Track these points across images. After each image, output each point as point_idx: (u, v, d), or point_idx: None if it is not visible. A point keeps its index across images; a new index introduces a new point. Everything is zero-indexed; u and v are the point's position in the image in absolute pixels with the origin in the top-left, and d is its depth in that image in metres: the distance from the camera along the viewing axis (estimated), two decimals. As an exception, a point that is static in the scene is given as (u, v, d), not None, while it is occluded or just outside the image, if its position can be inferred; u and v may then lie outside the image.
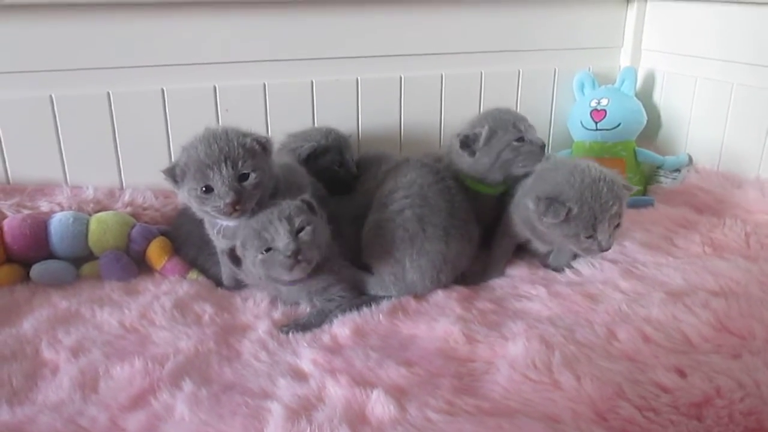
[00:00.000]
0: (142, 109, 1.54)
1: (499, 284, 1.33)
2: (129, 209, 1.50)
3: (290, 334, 1.17)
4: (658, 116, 1.90)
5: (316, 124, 1.66)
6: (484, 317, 1.20)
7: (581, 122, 1.83)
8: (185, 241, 1.41)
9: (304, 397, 0.97)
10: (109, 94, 1.51)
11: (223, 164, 1.12)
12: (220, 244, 1.29)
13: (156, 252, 1.39)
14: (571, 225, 1.22)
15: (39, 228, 1.35)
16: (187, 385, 1.00)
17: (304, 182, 1.32)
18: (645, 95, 1.90)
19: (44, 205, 1.45)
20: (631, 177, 1.78)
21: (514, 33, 1.83)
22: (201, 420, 0.93)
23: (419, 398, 0.96)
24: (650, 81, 1.92)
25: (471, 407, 0.94)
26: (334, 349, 1.12)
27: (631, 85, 1.83)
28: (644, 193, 1.80)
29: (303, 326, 1.20)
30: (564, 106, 1.91)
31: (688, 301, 1.15)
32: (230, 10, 1.55)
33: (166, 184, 1.56)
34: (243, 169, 1.14)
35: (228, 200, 1.13)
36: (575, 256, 1.36)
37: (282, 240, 1.12)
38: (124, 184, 1.57)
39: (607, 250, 1.24)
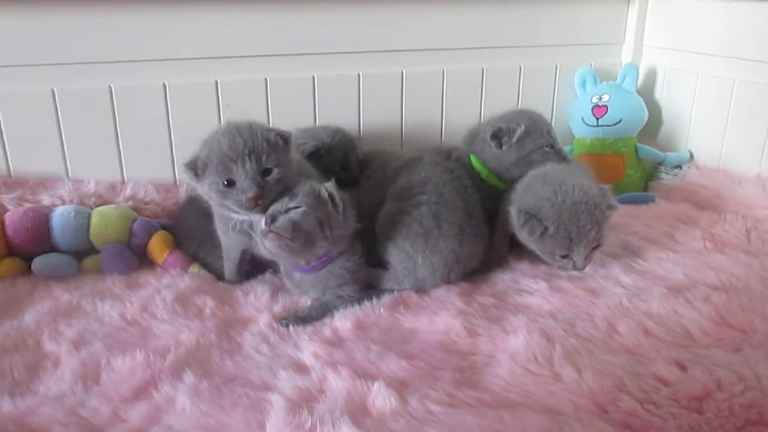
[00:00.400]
0: (143, 103, 1.54)
1: (500, 278, 1.33)
2: (130, 203, 1.50)
3: (290, 327, 1.17)
4: (660, 113, 1.90)
5: (318, 119, 1.67)
6: (485, 311, 1.20)
7: (582, 118, 1.83)
8: (187, 234, 1.41)
9: (305, 389, 0.97)
10: (111, 88, 1.51)
11: (246, 158, 1.11)
12: (230, 240, 1.29)
13: (157, 246, 1.39)
14: (546, 243, 1.24)
15: (41, 221, 1.36)
16: (189, 377, 1.00)
17: (313, 176, 1.32)
18: (646, 92, 1.90)
19: (46, 199, 1.45)
20: (632, 173, 1.79)
21: (516, 29, 1.83)
22: (202, 411, 0.94)
23: (420, 390, 0.96)
24: (651, 77, 1.92)
25: (472, 399, 0.94)
26: (335, 342, 1.12)
27: (632, 81, 1.83)
28: (645, 189, 1.80)
29: (303, 319, 1.20)
30: (565, 103, 1.91)
31: (688, 295, 1.15)
32: (232, 5, 1.55)
33: (168, 179, 1.60)
34: (267, 163, 1.13)
35: (251, 195, 1.12)
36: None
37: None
38: (125, 178, 1.57)
39: (581, 270, 1.27)
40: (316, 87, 1.66)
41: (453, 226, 1.28)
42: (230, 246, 1.32)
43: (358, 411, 0.92)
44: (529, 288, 1.28)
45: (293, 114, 1.65)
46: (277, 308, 1.25)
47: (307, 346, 1.10)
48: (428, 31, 1.74)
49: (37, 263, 1.33)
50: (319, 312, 1.22)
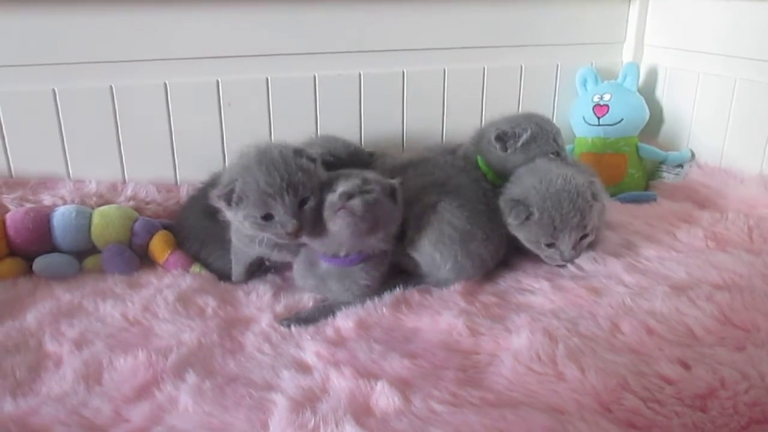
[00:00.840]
0: (145, 103, 1.54)
1: (502, 278, 1.33)
2: (132, 203, 1.50)
3: (292, 327, 1.17)
4: (661, 112, 1.90)
5: (318, 119, 1.67)
6: (488, 310, 1.19)
7: (584, 118, 1.83)
8: (189, 234, 1.41)
9: (308, 389, 0.97)
10: (112, 87, 1.51)
11: (285, 193, 1.09)
12: (251, 250, 1.27)
13: (159, 245, 1.39)
14: (531, 230, 1.26)
15: (42, 222, 1.35)
16: (191, 377, 1.00)
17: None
18: (647, 91, 1.90)
19: (47, 199, 1.45)
20: (633, 173, 1.78)
21: (517, 28, 1.83)
22: (205, 411, 0.93)
23: (423, 390, 0.95)
24: (653, 76, 1.92)
25: (475, 399, 0.94)
26: (338, 341, 1.12)
27: (633, 80, 1.83)
28: (647, 188, 1.80)
29: (305, 320, 1.20)
30: (566, 102, 1.91)
31: (691, 294, 1.15)
32: (233, 4, 1.55)
33: (169, 178, 1.60)
34: (303, 193, 1.12)
35: (290, 229, 1.11)
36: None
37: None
38: (126, 178, 1.56)
39: (569, 261, 1.28)
40: (317, 87, 1.66)
41: (480, 230, 1.28)
42: (245, 253, 1.32)
43: (361, 410, 0.92)
44: (531, 287, 1.28)
45: (294, 114, 1.65)
46: (279, 308, 1.24)
47: (309, 346, 1.09)
48: (429, 31, 1.74)
49: (39, 263, 1.33)
50: (322, 312, 1.22)
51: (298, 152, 1.15)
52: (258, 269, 1.39)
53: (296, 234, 1.12)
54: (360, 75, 1.69)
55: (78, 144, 1.51)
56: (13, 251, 1.35)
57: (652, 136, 1.90)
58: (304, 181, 1.12)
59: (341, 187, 1.13)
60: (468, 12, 1.76)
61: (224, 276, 1.37)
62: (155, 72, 1.53)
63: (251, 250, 1.28)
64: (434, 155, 1.44)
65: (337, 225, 1.12)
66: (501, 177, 1.40)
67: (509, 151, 1.38)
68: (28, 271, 1.34)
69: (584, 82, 1.88)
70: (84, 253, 1.38)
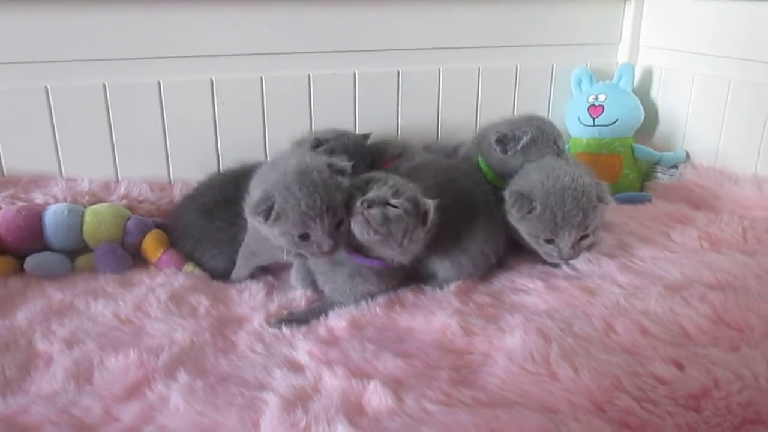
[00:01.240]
0: (138, 101, 1.53)
1: (496, 278, 1.33)
2: (124, 202, 1.49)
3: (283, 326, 1.16)
4: (656, 112, 1.90)
5: (313, 118, 1.67)
6: (482, 310, 1.19)
7: (578, 118, 1.83)
8: (184, 232, 1.40)
9: (300, 388, 0.96)
10: (105, 85, 1.50)
11: (324, 215, 1.10)
12: (267, 250, 1.25)
13: (151, 244, 1.38)
14: (533, 224, 1.25)
15: (33, 220, 1.34)
16: (182, 376, 1.00)
17: None
18: (642, 91, 1.90)
19: (39, 197, 1.44)
20: (628, 173, 1.78)
21: (512, 28, 1.83)
22: (196, 410, 0.93)
23: (416, 389, 0.95)
24: (648, 77, 1.92)
25: (468, 398, 0.93)
26: (331, 341, 1.11)
27: (628, 81, 1.83)
28: (641, 189, 1.80)
29: (297, 320, 1.19)
30: (561, 102, 1.91)
31: (685, 294, 1.14)
32: (228, 3, 1.55)
33: (162, 177, 1.59)
34: (340, 215, 1.12)
35: (326, 249, 1.11)
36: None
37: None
38: (119, 177, 1.56)
39: (568, 259, 1.28)
40: (312, 86, 1.65)
41: (480, 230, 1.28)
42: (260, 258, 1.32)
43: (353, 410, 0.91)
44: (525, 287, 1.28)
45: (288, 113, 1.64)
46: (273, 307, 1.24)
47: (302, 345, 1.09)
48: (424, 31, 1.74)
49: (30, 262, 1.32)
50: (314, 313, 1.21)
51: (333, 168, 1.14)
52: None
53: (331, 253, 1.13)
54: (355, 74, 1.69)
55: (71, 142, 1.51)
56: (4, 250, 1.33)
57: (647, 136, 1.90)
58: (341, 202, 1.13)
59: (370, 192, 1.13)
60: (463, 12, 1.76)
61: (218, 275, 1.36)
62: (149, 70, 1.52)
63: (273, 257, 1.28)
64: (436, 158, 1.44)
65: (354, 227, 1.13)
66: (501, 178, 1.40)
67: (509, 153, 1.38)
68: (20, 269, 1.33)
69: (579, 83, 1.88)
70: (76, 252, 1.37)
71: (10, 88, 1.44)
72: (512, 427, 0.85)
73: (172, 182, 1.60)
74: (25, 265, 1.32)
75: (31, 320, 1.16)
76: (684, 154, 1.81)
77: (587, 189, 1.24)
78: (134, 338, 1.12)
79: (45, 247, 1.35)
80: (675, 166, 1.80)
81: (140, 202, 1.51)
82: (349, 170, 1.17)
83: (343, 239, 1.14)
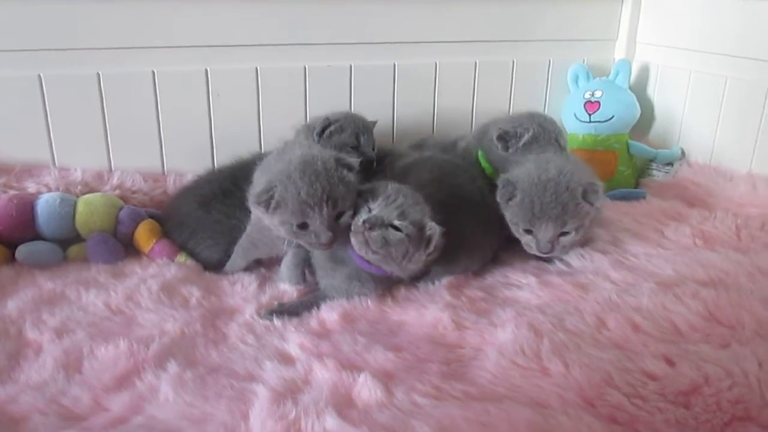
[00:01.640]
0: (132, 91, 1.53)
1: (489, 272, 1.33)
2: (117, 192, 1.49)
3: (274, 319, 1.15)
4: (652, 109, 1.90)
5: (308, 110, 1.66)
6: (474, 304, 1.19)
7: (575, 114, 1.83)
8: (180, 222, 1.39)
9: (290, 380, 0.96)
10: (99, 75, 1.49)
11: (324, 204, 1.09)
12: (268, 241, 1.26)
13: (144, 234, 1.38)
14: (513, 212, 1.26)
15: (25, 209, 1.34)
16: (172, 367, 0.99)
17: None
18: (639, 88, 1.90)
19: (31, 186, 1.44)
20: (623, 170, 1.78)
21: (510, 23, 1.82)
22: (186, 401, 0.92)
23: (406, 383, 0.95)
24: (644, 74, 1.92)
25: (458, 392, 0.93)
26: (322, 333, 1.11)
27: (625, 77, 1.83)
28: (636, 185, 1.80)
29: (288, 311, 1.18)
30: (558, 98, 1.91)
31: (677, 291, 1.14)
32: (223, -7, 1.54)
33: (156, 167, 1.58)
34: (342, 207, 1.12)
35: (324, 240, 1.11)
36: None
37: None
38: (112, 167, 1.55)
39: (544, 253, 1.26)
40: (307, 78, 1.65)
41: (476, 224, 1.28)
42: (260, 251, 1.31)
43: (343, 402, 0.91)
44: (518, 282, 1.28)
45: (283, 104, 1.64)
46: (265, 299, 1.24)
47: (293, 338, 1.09)
48: (421, 24, 1.73)
49: (22, 251, 1.31)
50: (306, 305, 1.20)
51: (339, 161, 1.14)
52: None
53: (329, 245, 1.13)
54: (351, 67, 1.68)
55: (64, 131, 1.50)
56: (-5, 238, 1.33)
57: (642, 133, 1.90)
58: (343, 195, 1.12)
59: (374, 210, 1.11)
60: (460, 6, 1.75)
61: (210, 266, 1.36)
62: (143, 60, 1.52)
63: (273, 250, 1.28)
64: (432, 154, 1.43)
65: (353, 242, 1.13)
66: (498, 171, 1.39)
67: (510, 150, 1.37)
68: (11, 258, 1.32)
69: (576, 79, 1.87)
70: (68, 242, 1.37)
71: (3, 76, 1.43)
72: (502, 421, 0.85)
73: (165, 173, 1.59)
74: (17, 254, 1.31)
75: (22, 309, 1.16)
76: (679, 152, 1.81)
77: (572, 185, 1.22)
78: (125, 328, 1.11)
79: (37, 236, 1.35)
80: (670, 164, 1.80)
81: (133, 192, 1.51)
82: (357, 167, 1.16)
83: (343, 232, 1.13)
